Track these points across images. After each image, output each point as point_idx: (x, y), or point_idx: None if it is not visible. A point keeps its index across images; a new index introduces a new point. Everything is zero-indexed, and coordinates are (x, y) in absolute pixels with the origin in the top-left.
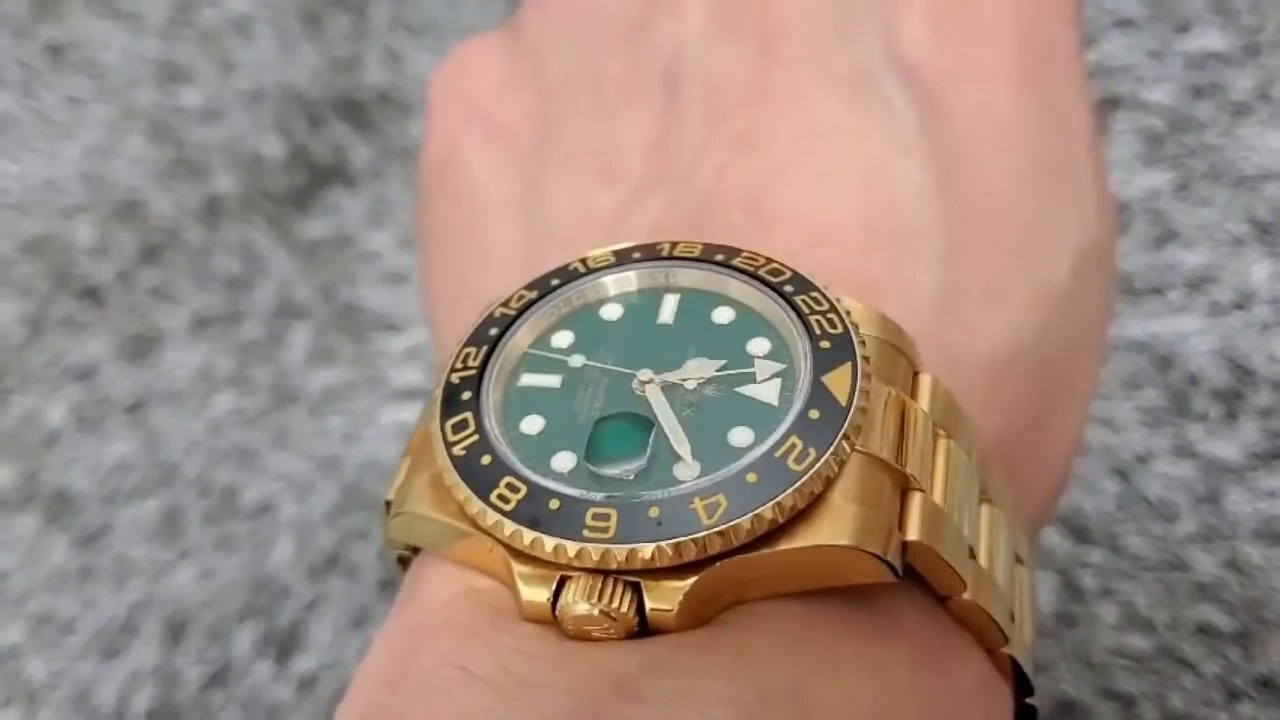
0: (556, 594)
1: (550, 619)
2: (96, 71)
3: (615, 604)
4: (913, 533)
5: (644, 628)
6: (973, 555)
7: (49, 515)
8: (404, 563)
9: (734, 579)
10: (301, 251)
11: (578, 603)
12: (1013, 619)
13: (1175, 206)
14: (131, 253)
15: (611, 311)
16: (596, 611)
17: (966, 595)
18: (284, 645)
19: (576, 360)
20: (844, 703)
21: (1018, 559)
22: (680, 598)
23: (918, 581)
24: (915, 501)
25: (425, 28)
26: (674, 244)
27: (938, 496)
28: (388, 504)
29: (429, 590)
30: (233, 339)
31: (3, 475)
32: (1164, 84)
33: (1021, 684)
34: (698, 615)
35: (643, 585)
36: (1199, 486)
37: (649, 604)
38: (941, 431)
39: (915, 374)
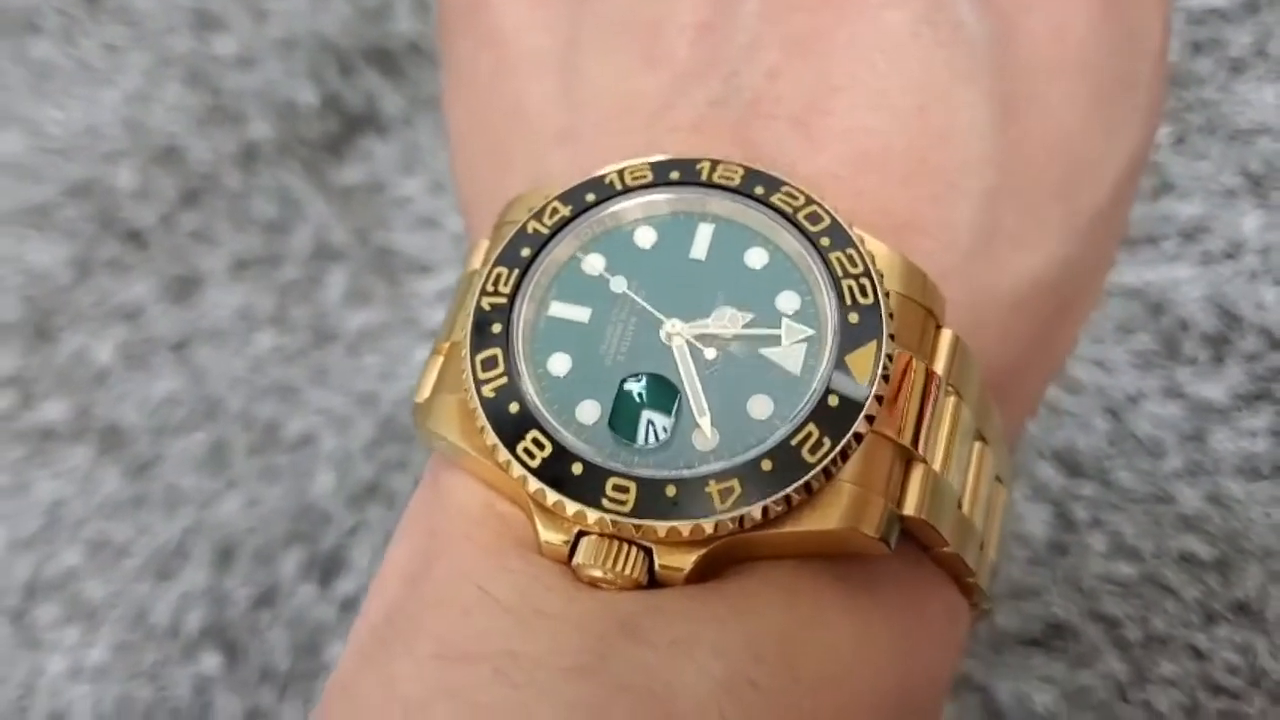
0: (573, 547)
1: (565, 561)
2: (133, 19)
3: (626, 569)
4: (910, 508)
5: (652, 584)
6: (959, 503)
7: (102, 447)
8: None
9: (739, 549)
10: (336, 197)
11: (591, 564)
12: (981, 547)
13: (1172, 159)
14: (172, 196)
15: (645, 238)
16: (608, 575)
17: (948, 549)
18: (326, 569)
19: (618, 284)
20: (827, 654)
21: (998, 479)
22: (688, 567)
23: (904, 535)
24: (917, 474)
25: None
26: (714, 164)
27: (937, 463)
28: (417, 404)
29: (453, 498)
30: (272, 280)
31: (57, 410)
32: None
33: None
34: (703, 577)
35: (654, 550)
36: (1186, 425)
37: (659, 562)
38: (952, 389)
39: (937, 329)
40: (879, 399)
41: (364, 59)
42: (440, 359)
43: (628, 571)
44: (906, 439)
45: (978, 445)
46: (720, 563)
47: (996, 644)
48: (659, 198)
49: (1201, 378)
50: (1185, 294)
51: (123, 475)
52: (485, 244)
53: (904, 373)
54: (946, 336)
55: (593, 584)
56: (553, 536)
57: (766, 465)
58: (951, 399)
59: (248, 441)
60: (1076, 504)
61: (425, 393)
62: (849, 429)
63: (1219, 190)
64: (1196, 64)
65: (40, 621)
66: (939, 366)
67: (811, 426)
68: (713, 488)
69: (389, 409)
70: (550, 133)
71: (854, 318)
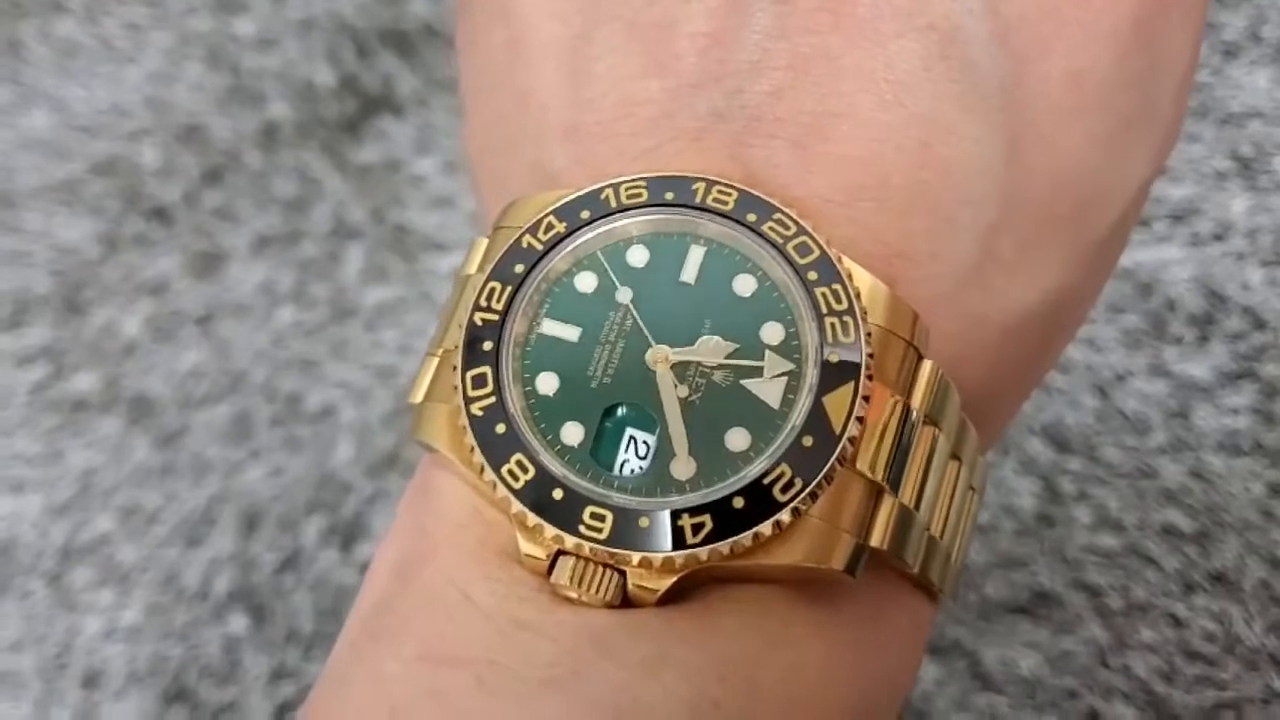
0: (553, 561)
1: (544, 574)
2: None
3: (599, 591)
4: (876, 539)
5: (625, 603)
6: (928, 527)
7: (131, 417)
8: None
9: (709, 576)
10: (354, 176)
11: (567, 584)
12: (949, 559)
13: None
14: (195, 174)
15: (638, 256)
16: (583, 596)
17: (914, 571)
18: (347, 535)
19: (624, 295)
20: (791, 674)
21: (971, 487)
22: (661, 590)
23: (871, 557)
24: (885, 506)
25: None
26: (709, 185)
27: (908, 497)
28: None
29: (444, 501)
30: (292, 257)
31: (87, 381)
32: None
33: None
34: (676, 598)
35: (628, 573)
36: (1171, 403)
37: (633, 583)
38: (928, 419)
39: (919, 359)
40: (852, 440)
41: (380, 41)
42: (435, 361)
43: (600, 594)
44: (879, 475)
45: (953, 464)
46: (693, 584)
47: (984, 611)
48: (653, 218)
49: (1187, 357)
50: (1174, 275)
51: (151, 445)
52: (483, 246)
53: (881, 408)
54: (926, 369)
55: (568, 601)
56: (533, 551)
57: (739, 502)
58: (928, 429)
59: (271, 413)
60: (1064, 478)
61: (419, 395)
62: (820, 471)
63: (1210, 173)
64: None
65: (76, 584)
66: (916, 400)
67: (785, 466)
68: (685, 522)
69: (406, 382)
70: (554, 127)
71: (834, 358)
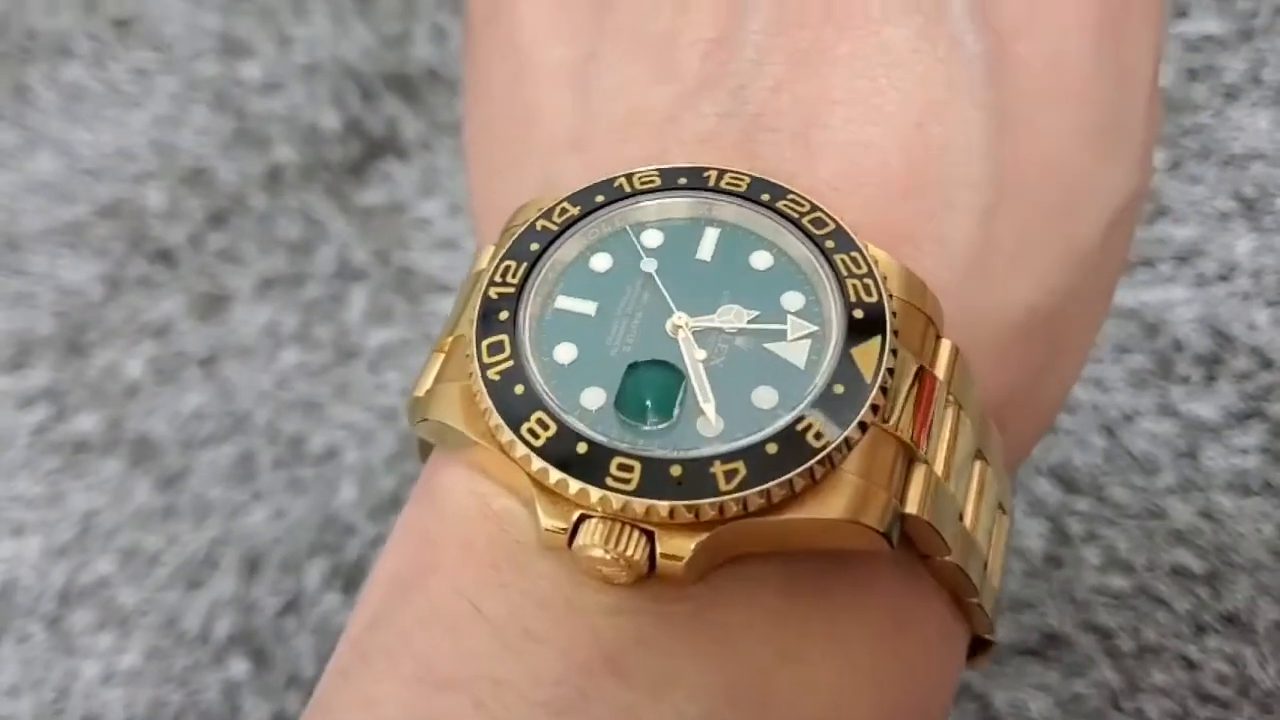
0: (574, 530)
1: (565, 548)
2: (161, 44)
3: (628, 550)
4: (912, 506)
5: (652, 569)
6: (960, 517)
7: (133, 459)
8: (425, 450)
9: (740, 537)
10: (358, 218)
11: (593, 545)
12: (985, 568)
13: (1168, 184)
14: (200, 217)
15: (652, 239)
16: (609, 556)
17: (949, 558)
18: (350, 578)
19: (649, 264)
20: (805, 693)
21: (1000, 507)
22: (689, 552)
23: (905, 542)
24: (919, 474)
25: None
26: (721, 173)
27: (939, 467)
28: (416, 399)
29: (449, 499)
30: (296, 299)
31: (89, 422)
32: (1162, 66)
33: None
34: (702, 568)
35: (656, 534)
36: (1179, 443)
37: (660, 550)
38: (952, 399)
39: (937, 338)
40: (884, 390)
41: (385, 85)
42: (441, 356)
43: (629, 552)
44: (910, 436)
45: (979, 465)
46: (718, 556)
47: (994, 654)
48: (667, 201)
49: (1194, 396)
50: (1180, 315)
51: (153, 486)
52: (492, 248)
53: (907, 373)
54: (946, 345)
55: (592, 573)
56: (554, 522)
57: (771, 449)
58: (952, 409)
59: (273, 454)
60: (1072, 519)
61: (426, 386)
62: (854, 417)
63: (1213, 214)
64: (1192, 90)
65: (75, 627)
66: (939, 372)
67: (817, 413)
68: (718, 469)
69: (409, 424)
70: (563, 140)
71: (859, 314)
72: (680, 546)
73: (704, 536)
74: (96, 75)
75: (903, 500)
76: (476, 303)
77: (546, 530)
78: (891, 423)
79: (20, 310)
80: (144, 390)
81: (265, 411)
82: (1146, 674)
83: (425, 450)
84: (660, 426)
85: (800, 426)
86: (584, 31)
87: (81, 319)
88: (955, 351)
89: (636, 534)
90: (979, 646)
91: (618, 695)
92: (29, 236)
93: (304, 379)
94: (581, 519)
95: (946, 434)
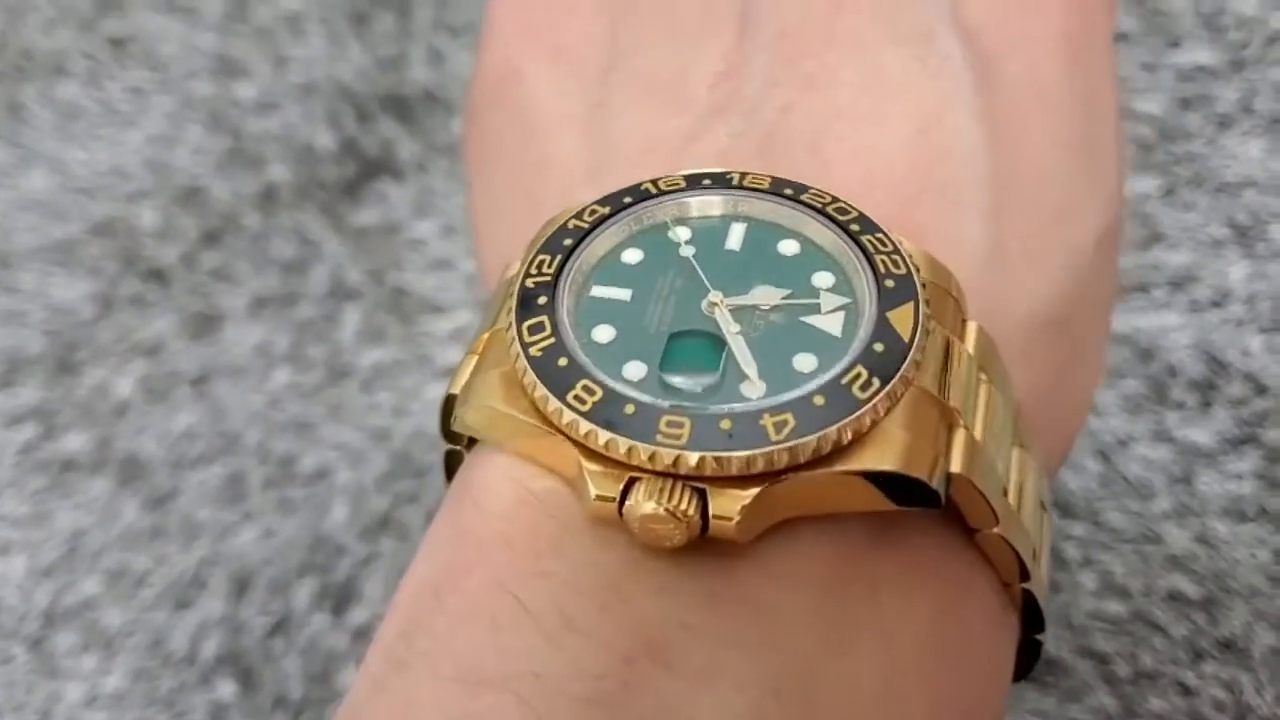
0: (624, 496)
1: (616, 519)
2: (157, 64)
3: (681, 505)
4: (956, 465)
5: (704, 531)
6: (1004, 493)
7: (121, 479)
8: (450, 468)
9: (792, 494)
10: (352, 238)
11: (645, 502)
12: (1035, 555)
13: (1161, 210)
14: (193, 236)
15: (681, 234)
16: (663, 510)
17: (997, 529)
18: (340, 599)
19: (687, 250)
20: (848, 687)
21: (1042, 505)
22: (742, 507)
23: (950, 514)
24: (959, 437)
25: (467, 28)
26: (744, 174)
27: (978, 433)
28: (450, 398)
29: (488, 493)
30: (289, 318)
31: (78, 442)
32: (1155, 95)
33: (1034, 621)
34: (753, 527)
35: (708, 491)
36: (1174, 468)
37: (712, 510)
38: (983, 375)
39: (963, 320)
40: (923, 348)
41: (381, 106)
42: (475, 357)
43: (683, 507)
44: (949, 398)
45: (1017, 451)
46: (770, 515)
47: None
48: (693, 199)
49: (1189, 422)
50: (1174, 341)
51: (141, 506)
52: (518, 262)
53: (940, 343)
54: (972, 325)
55: (646, 538)
56: (604, 490)
57: (819, 400)
58: (985, 386)
59: (264, 475)
60: (1068, 544)
61: (462, 381)
62: (897, 371)
63: (1206, 241)
64: (1185, 119)
65: (59, 649)
66: (969, 348)
67: (860, 368)
68: (767, 420)
69: (402, 444)
70: (580, 173)
71: (890, 284)
72: (730, 506)
73: (755, 491)
74: (91, 94)
75: (947, 460)
76: (515, 291)
77: (597, 498)
78: (929, 385)
79: (10, 328)
80: (134, 409)
81: (256, 431)
82: (1144, 700)
83: (451, 468)
84: (707, 386)
85: (845, 379)
86: (593, 87)
87: (72, 337)
88: (982, 331)
89: (688, 490)
90: (1026, 653)
91: (663, 686)
92: (20, 254)
93: (296, 399)
94: (630, 484)
95: (982, 404)
